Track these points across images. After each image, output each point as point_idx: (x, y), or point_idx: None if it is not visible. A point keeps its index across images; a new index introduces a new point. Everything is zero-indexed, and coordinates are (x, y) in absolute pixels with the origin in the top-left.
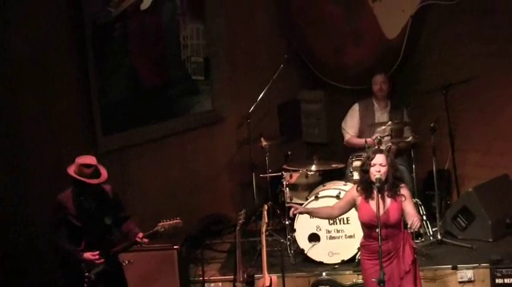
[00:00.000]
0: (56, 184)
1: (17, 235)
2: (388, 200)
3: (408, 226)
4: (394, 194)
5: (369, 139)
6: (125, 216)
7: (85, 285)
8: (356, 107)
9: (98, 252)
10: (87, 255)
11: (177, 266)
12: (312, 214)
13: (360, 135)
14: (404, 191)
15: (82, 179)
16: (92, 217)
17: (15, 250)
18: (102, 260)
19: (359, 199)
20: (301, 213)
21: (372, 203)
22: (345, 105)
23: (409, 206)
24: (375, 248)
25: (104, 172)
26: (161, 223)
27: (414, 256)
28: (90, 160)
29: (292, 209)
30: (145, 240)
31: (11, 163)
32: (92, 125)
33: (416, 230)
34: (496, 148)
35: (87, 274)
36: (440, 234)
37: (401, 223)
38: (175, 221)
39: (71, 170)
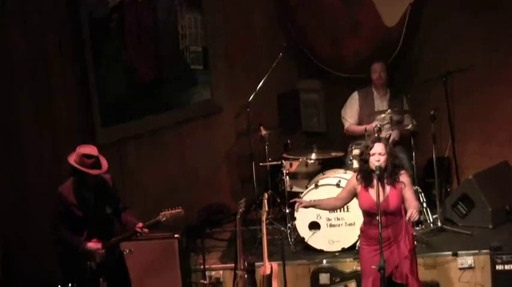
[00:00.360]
0: (55, 176)
1: (17, 232)
2: (388, 188)
3: (406, 218)
4: (394, 182)
5: (368, 126)
6: (123, 206)
7: (87, 274)
8: (355, 96)
9: (100, 242)
10: (91, 244)
11: (178, 255)
12: (316, 207)
13: (359, 124)
14: (404, 178)
15: (83, 169)
16: (93, 206)
17: (15, 247)
18: (103, 251)
19: (359, 187)
20: (305, 207)
21: (372, 191)
22: (343, 94)
23: (408, 193)
24: (374, 235)
25: (104, 163)
26: (163, 213)
27: (413, 244)
28: (92, 150)
29: (297, 204)
30: (145, 230)
31: (9, 156)
32: (91, 116)
33: (414, 221)
34: (496, 137)
35: (88, 263)
36: (441, 221)
37: (401, 210)
38: (177, 210)
39: (72, 159)
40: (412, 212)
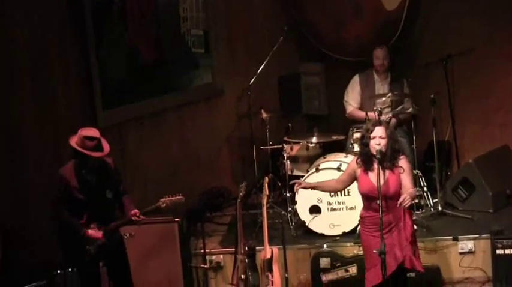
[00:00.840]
0: (56, 160)
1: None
2: (387, 172)
3: (398, 202)
4: (393, 166)
5: (370, 113)
6: (123, 190)
7: (86, 258)
8: (356, 79)
9: (101, 232)
10: (91, 232)
11: (178, 239)
12: (316, 188)
13: (360, 107)
14: (403, 163)
15: (85, 151)
16: (94, 190)
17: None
18: (102, 239)
19: (359, 171)
20: (304, 188)
21: (371, 175)
22: (344, 77)
23: (406, 179)
24: (374, 220)
25: (106, 145)
26: (163, 199)
27: (414, 228)
28: (94, 132)
29: (296, 185)
30: (142, 217)
31: (10, 139)
32: (92, 99)
33: (405, 206)
34: (496, 120)
35: (87, 247)
36: (441, 205)
37: (400, 194)
38: (177, 197)
39: (73, 141)
40: (405, 197)
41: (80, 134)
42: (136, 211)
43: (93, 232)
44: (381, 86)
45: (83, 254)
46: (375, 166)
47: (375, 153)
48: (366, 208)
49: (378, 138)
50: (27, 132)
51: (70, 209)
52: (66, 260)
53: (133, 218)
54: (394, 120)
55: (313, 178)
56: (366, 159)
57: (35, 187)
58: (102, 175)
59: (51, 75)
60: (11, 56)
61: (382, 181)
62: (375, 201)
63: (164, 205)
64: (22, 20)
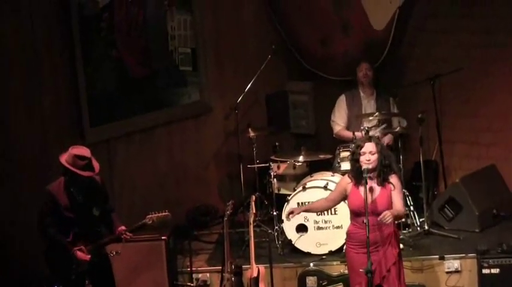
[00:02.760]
0: (43, 174)
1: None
2: (378, 189)
3: (378, 218)
4: (383, 182)
5: (357, 133)
6: (111, 208)
7: (72, 276)
8: (343, 98)
9: (88, 253)
10: (80, 255)
11: (165, 257)
12: (308, 211)
13: (348, 126)
14: (394, 180)
15: (75, 170)
16: (81, 207)
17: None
18: (88, 258)
19: (350, 186)
20: (298, 214)
21: (362, 190)
22: (332, 96)
23: (396, 197)
24: (361, 237)
25: (96, 164)
26: (149, 216)
27: (399, 248)
28: (85, 151)
29: (290, 215)
30: (129, 235)
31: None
32: (79, 116)
33: (385, 223)
34: (483, 139)
35: (74, 266)
36: (428, 224)
37: None
38: (163, 213)
39: (63, 159)
40: (385, 214)
41: (71, 152)
42: (123, 227)
43: (82, 255)
44: (367, 103)
45: (69, 271)
46: (368, 182)
47: (365, 168)
48: (353, 224)
49: (368, 154)
50: (17, 149)
51: (57, 226)
52: (52, 275)
53: (120, 235)
54: (387, 139)
55: (300, 196)
56: (356, 175)
57: (24, 200)
58: (90, 192)
59: (40, 92)
60: (0, 71)
61: (371, 198)
62: (364, 218)
63: (151, 221)
64: (11, 36)
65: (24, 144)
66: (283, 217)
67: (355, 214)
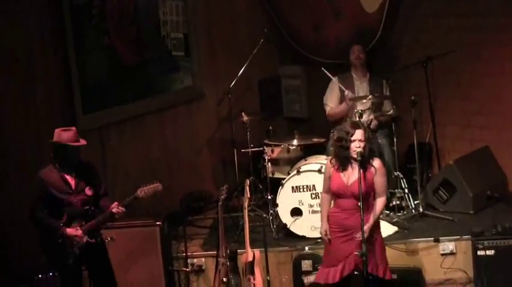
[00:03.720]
0: (35, 162)
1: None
2: (360, 171)
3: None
4: (366, 165)
5: (349, 94)
6: (104, 192)
7: (70, 260)
8: (335, 80)
9: (80, 229)
10: (70, 231)
11: (160, 242)
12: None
13: None
14: (376, 163)
15: (63, 142)
16: (74, 188)
17: None
18: (82, 237)
19: (331, 170)
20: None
21: (343, 174)
22: (325, 80)
23: (379, 181)
24: (338, 220)
25: (82, 140)
26: (140, 188)
27: (380, 232)
28: (70, 127)
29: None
30: (122, 208)
31: None
32: (72, 103)
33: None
34: (476, 122)
35: (70, 249)
36: (422, 207)
37: (371, 194)
38: (154, 185)
39: (52, 139)
40: (367, 227)
41: (56, 131)
42: (116, 202)
43: (72, 230)
44: (360, 84)
45: (66, 256)
46: (351, 166)
47: (355, 156)
48: (334, 207)
49: (358, 142)
50: (8, 140)
51: (50, 209)
52: (49, 263)
53: (113, 210)
54: (375, 122)
55: (294, 180)
56: (343, 161)
57: (17, 190)
58: (82, 174)
59: (32, 79)
60: None
61: (353, 180)
62: (344, 200)
63: (142, 193)
64: (2, 22)
65: (17, 132)
66: (322, 234)
67: (336, 196)
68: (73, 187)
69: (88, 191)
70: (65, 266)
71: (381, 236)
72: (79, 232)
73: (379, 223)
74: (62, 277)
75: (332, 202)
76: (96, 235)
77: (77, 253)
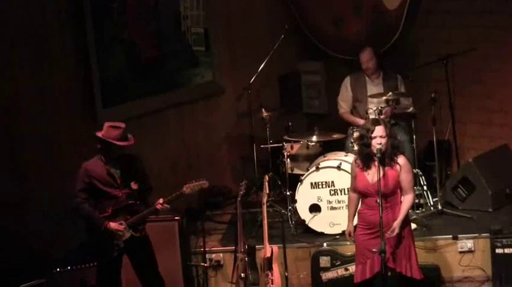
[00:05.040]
0: (52, 156)
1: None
2: (386, 169)
3: (389, 231)
4: (391, 163)
5: (360, 120)
6: (149, 187)
7: (115, 253)
8: (347, 80)
9: (124, 223)
10: (114, 225)
11: (178, 237)
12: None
13: (352, 108)
14: (401, 160)
15: (109, 140)
16: (118, 182)
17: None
18: (124, 231)
19: (356, 170)
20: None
21: (368, 173)
22: (344, 76)
23: (404, 178)
24: (367, 218)
25: (131, 137)
26: (186, 185)
27: (411, 229)
28: (119, 123)
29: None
30: (166, 205)
31: (9, 136)
32: (92, 97)
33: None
34: (496, 120)
35: (115, 242)
36: (441, 204)
37: (397, 192)
38: (200, 182)
39: (100, 133)
40: (392, 229)
41: (106, 125)
42: (160, 199)
43: (116, 225)
44: (373, 87)
45: (111, 249)
46: (374, 164)
47: (375, 152)
48: (362, 205)
49: (379, 138)
50: (27, 131)
51: (94, 202)
52: (93, 254)
53: (157, 206)
54: (386, 110)
55: (313, 176)
56: (366, 159)
57: (33, 183)
58: (127, 168)
59: (51, 73)
60: (11, 53)
61: (377, 178)
62: (370, 198)
63: (188, 190)
64: (22, 17)
65: (36, 126)
66: (346, 235)
67: (362, 195)
68: (118, 180)
69: (133, 185)
70: (109, 258)
71: (412, 234)
72: (122, 227)
73: (409, 220)
74: (102, 268)
75: (360, 201)
76: (140, 229)
77: (121, 247)
